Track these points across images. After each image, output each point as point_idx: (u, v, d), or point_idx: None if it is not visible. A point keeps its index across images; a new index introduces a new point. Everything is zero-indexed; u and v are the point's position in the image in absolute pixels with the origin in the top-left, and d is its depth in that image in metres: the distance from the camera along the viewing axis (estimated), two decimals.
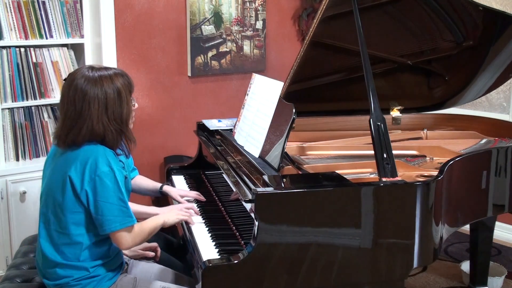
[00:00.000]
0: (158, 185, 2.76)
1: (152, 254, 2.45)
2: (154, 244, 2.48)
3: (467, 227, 3.11)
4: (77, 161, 1.97)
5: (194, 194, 2.67)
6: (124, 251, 2.34)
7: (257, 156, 2.41)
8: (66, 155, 2.02)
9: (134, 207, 2.41)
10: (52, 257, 2.05)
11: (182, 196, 2.67)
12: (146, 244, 2.46)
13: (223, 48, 3.99)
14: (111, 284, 2.11)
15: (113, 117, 2.00)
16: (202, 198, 2.63)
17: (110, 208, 1.96)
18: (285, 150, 2.28)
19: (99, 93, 1.97)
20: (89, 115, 1.96)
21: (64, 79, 2.08)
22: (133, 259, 2.37)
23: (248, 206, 2.15)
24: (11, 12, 3.26)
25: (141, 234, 2.11)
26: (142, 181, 2.78)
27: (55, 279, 2.07)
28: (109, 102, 1.99)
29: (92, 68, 2.04)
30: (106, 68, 2.06)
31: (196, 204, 2.60)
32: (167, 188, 2.72)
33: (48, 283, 2.10)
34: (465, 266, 3.26)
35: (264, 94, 2.55)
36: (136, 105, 2.22)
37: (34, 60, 3.36)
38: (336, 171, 2.18)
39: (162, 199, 2.89)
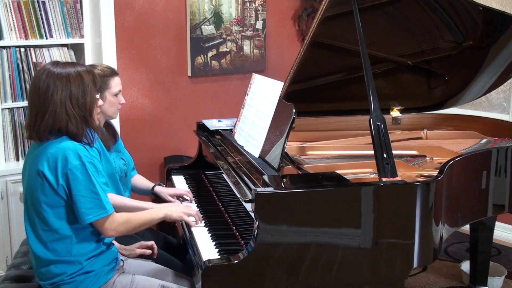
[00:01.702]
0: (151, 185, 2.77)
1: (149, 252, 2.43)
2: (151, 242, 2.47)
3: (467, 227, 3.11)
4: (48, 158, 2.00)
5: (184, 191, 2.69)
6: (120, 250, 2.34)
7: (257, 156, 2.41)
8: (37, 152, 2.05)
9: (132, 202, 2.41)
10: (44, 256, 2.05)
11: (172, 196, 2.68)
12: (142, 243, 2.46)
13: (223, 48, 3.99)
14: (106, 280, 2.11)
15: (76, 103, 2.03)
16: (190, 196, 2.66)
17: (83, 200, 1.99)
18: (285, 150, 2.28)
19: (63, 80, 2.02)
20: (52, 100, 2.00)
21: None
22: (130, 258, 2.37)
23: (248, 206, 2.15)
24: (11, 12, 3.26)
25: (127, 225, 2.12)
26: (138, 180, 2.80)
27: (49, 278, 2.07)
28: (73, 90, 2.02)
29: (57, 63, 2.09)
30: (73, 64, 2.12)
31: (196, 204, 2.61)
32: (158, 189, 2.74)
33: (44, 284, 2.10)
34: (465, 266, 3.26)
35: (264, 94, 2.55)
36: (123, 101, 2.43)
37: (34, 60, 3.36)
38: (336, 171, 2.18)
39: (160, 201, 2.89)
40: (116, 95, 2.53)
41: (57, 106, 2.00)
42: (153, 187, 2.77)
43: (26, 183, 2.11)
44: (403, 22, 2.80)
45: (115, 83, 2.52)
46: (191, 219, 2.31)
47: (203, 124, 3.07)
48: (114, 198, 2.34)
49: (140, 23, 3.67)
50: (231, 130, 2.87)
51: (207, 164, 2.95)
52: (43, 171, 1.99)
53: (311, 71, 2.84)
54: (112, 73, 2.52)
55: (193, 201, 2.66)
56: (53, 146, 2.01)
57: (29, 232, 2.09)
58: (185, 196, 2.69)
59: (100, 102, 2.17)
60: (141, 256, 2.43)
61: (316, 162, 2.57)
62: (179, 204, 2.49)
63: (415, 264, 2.06)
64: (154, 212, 2.24)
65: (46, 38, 3.38)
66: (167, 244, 2.73)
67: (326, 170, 2.33)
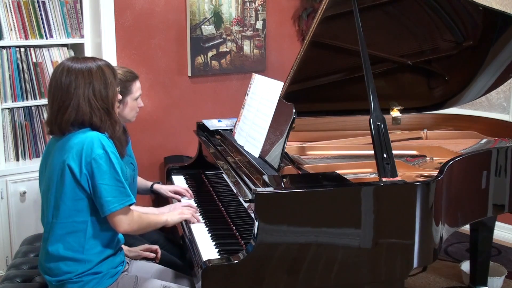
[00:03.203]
0: (149, 184, 2.80)
1: (152, 255, 2.46)
2: (155, 246, 2.49)
3: (467, 227, 3.11)
4: (73, 148, 2.01)
5: (183, 189, 2.71)
6: (125, 252, 2.35)
7: (257, 156, 2.41)
8: (61, 145, 2.05)
9: (148, 210, 2.44)
10: (55, 250, 2.05)
11: (172, 191, 2.71)
12: (146, 246, 2.48)
13: (223, 48, 3.99)
14: (112, 282, 2.12)
15: (100, 96, 2.05)
16: (190, 194, 2.71)
17: (108, 189, 2.00)
18: (285, 150, 2.28)
19: (85, 75, 2.04)
20: (75, 94, 2.02)
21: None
22: (133, 260, 2.38)
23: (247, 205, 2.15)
24: (11, 12, 3.26)
25: (139, 222, 2.14)
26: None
27: (56, 275, 2.07)
28: (95, 84, 2.04)
29: (76, 58, 2.11)
30: (93, 58, 2.14)
31: (196, 204, 2.61)
32: (157, 186, 2.78)
33: (50, 279, 2.10)
34: (465, 266, 3.26)
35: (264, 94, 2.55)
36: (141, 104, 2.50)
37: (34, 60, 3.36)
38: (336, 171, 2.18)
39: (161, 200, 2.89)
40: (136, 99, 2.54)
41: (81, 99, 2.02)
42: (152, 185, 2.79)
43: (47, 175, 2.11)
44: (403, 22, 2.80)
45: (136, 88, 2.54)
46: (189, 216, 2.37)
47: (203, 124, 3.07)
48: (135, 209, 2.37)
49: (140, 23, 3.67)
50: (231, 130, 2.87)
51: (207, 164, 2.95)
52: (68, 162, 2.00)
53: (311, 71, 2.84)
54: (133, 77, 2.53)
55: (193, 199, 2.68)
56: (77, 137, 2.03)
57: (44, 224, 2.10)
58: (184, 194, 2.71)
59: (119, 96, 2.19)
60: (144, 258, 2.44)
61: (316, 162, 2.57)
62: (175, 207, 2.50)
63: (415, 264, 2.06)
64: (157, 217, 2.29)
65: (46, 38, 3.38)
66: (168, 244, 2.74)
67: (326, 170, 2.33)
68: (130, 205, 2.06)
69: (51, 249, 2.06)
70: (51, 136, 2.17)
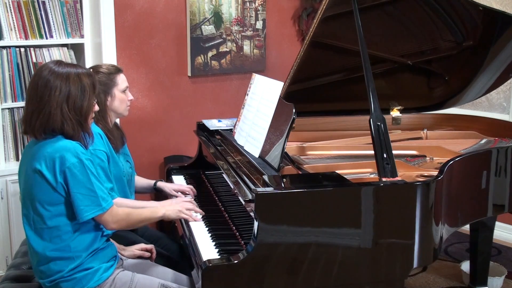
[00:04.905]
0: (152, 182, 2.81)
1: (147, 254, 2.45)
2: (150, 245, 2.49)
3: (467, 227, 3.11)
4: (45, 157, 2.00)
5: (187, 187, 2.71)
6: (120, 251, 2.35)
7: (257, 156, 2.41)
8: (33, 151, 2.05)
9: (132, 203, 2.42)
10: (44, 253, 2.06)
11: (176, 190, 2.71)
12: (142, 245, 2.47)
13: (223, 48, 3.99)
14: (106, 277, 2.12)
15: (73, 107, 2.03)
16: (194, 191, 2.70)
17: (81, 198, 2.01)
18: (285, 150, 2.28)
19: (63, 82, 2.02)
20: (48, 101, 2.00)
21: None
22: (129, 259, 2.37)
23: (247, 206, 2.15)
24: (11, 12, 3.26)
25: (127, 219, 2.15)
26: (137, 180, 2.82)
27: (48, 276, 2.08)
28: (71, 93, 2.02)
29: (60, 62, 2.09)
30: (75, 65, 2.12)
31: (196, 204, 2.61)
32: (161, 184, 2.79)
33: (43, 282, 2.10)
34: (465, 266, 3.26)
35: (264, 94, 2.55)
36: (131, 97, 2.48)
37: (34, 60, 3.36)
38: (336, 171, 2.18)
39: (162, 198, 2.89)
40: (124, 91, 2.56)
41: (53, 107, 2.00)
42: (155, 183, 2.80)
43: (23, 182, 2.11)
44: (403, 22, 2.80)
45: (122, 80, 2.55)
46: (189, 214, 2.35)
47: (203, 124, 3.07)
48: (124, 202, 2.36)
49: (140, 23, 3.67)
50: (231, 130, 2.87)
51: (207, 164, 2.95)
52: (40, 170, 1.99)
53: (311, 71, 2.84)
54: (116, 70, 2.56)
55: (193, 199, 2.68)
56: (49, 146, 2.02)
57: (28, 230, 2.09)
58: (188, 193, 2.71)
59: (96, 107, 2.16)
60: (140, 258, 2.44)
61: (316, 162, 2.57)
62: (176, 201, 2.50)
63: (415, 264, 2.06)
64: (153, 210, 2.28)
65: (46, 38, 3.38)
66: (167, 244, 2.74)
67: (326, 170, 2.33)
68: (105, 212, 2.05)
69: (39, 254, 2.07)
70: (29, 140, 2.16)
